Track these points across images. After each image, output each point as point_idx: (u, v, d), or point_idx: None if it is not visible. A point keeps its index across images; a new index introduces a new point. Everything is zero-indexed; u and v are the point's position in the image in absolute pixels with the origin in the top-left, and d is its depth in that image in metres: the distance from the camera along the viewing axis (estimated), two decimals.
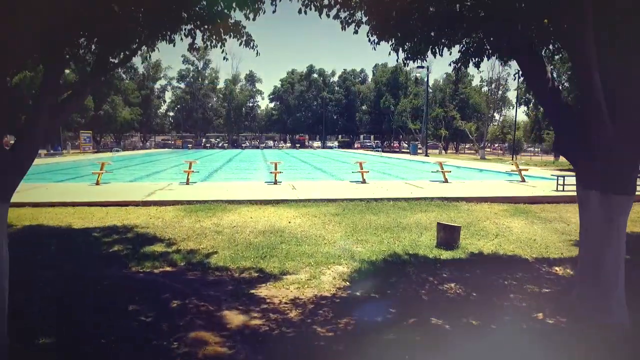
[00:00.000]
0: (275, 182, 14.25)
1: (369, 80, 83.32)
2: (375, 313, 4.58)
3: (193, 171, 14.70)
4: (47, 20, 3.75)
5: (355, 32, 5.54)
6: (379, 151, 46.61)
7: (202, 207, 10.22)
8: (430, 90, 66.38)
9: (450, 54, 6.37)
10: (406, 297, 5.00)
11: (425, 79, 45.84)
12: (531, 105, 31.73)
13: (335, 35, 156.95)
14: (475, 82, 79.95)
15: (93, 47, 5.57)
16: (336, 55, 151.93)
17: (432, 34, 5.95)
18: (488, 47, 5.99)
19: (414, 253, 6.78)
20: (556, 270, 6.03)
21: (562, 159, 40.83)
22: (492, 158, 48.09)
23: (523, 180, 15.64)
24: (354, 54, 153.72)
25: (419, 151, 49.43)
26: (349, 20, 5.43)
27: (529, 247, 7.25)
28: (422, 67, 44.96)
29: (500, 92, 45.78)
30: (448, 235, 7.13)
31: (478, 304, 4.81)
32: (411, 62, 6.44)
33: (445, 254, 6.70)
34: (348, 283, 5.47)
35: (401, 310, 4.61)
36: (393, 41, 5.95)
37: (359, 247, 7.10)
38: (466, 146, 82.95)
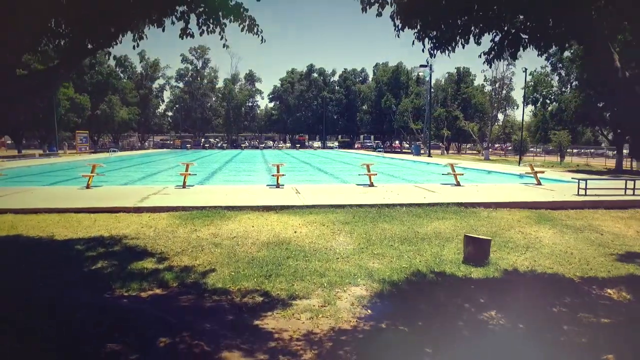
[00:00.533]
0: (278, 186, 13.41)
1: (370, 79, 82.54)
2: (409, 354, 3.74)
3: (190, 174, 13.85)
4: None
5: (379, 14, 4.71)
6: (380, 152, 45.76)
7: (199, 214, 9.38)
8: (432, 90, 65.62)
9: (479, 43, 5.54)
10: (442, 332, 4.16)
11: (428, 78, 45.00)
12: (539, 104, 30.85)
13: (335, 34, 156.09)
14: (478, 81, 79.30)
15: (67, 29, 4.74)
16: (336, 54, 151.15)
17: (465, 17, 5.14)
18: (525, 37, 5.20)
19: (440, 271, 5.95)
20: (610, 294, 5.20)
21: (567, 160, 40.05)
22: (496, 159, 47.31)
23: (539, 184, 14.81)
24: (354, 53, 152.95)
25: (422, 152, 48.62)
26: (372, 0, 4.60)
27: (568, 263, 6.42)
28: (425, 65, 44.22)
29: (504, 92, 44.92)
30: (477, 250, 6.30)
31: (529, 341, 3.97)
32: (438, 51, 5.65)
33: (476, 272, 5.87)
34: (369, 311, 4.63)
35: (441, 351, 3.77)
36: (418, 27, 5.14)
37: (376, 263, 6.27)
38: (467, 146, 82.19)
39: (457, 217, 9.52)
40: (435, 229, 8.35)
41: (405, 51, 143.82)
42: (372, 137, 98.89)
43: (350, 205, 10.28)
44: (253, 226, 8.48)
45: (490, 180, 18.75)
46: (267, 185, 14.23)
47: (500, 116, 47.10)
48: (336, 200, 10.73)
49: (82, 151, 45.78)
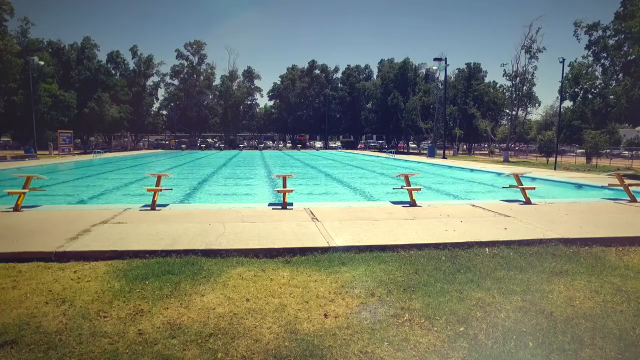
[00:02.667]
0: (285, 206, 9.64)
1: (374, 76, 78.74)
2: None
3: (162, 189, 10.07)
4: None
5: None
6: (391, 153, 41.94)
7: (158, 269, 5.59)
8: (441, 87, 61.92)
9: None
10: None
11: (443, 72, 41.25)
12: (579, 99, 27.10)
13: (338, 29, 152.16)
14: (489, 78, 75.65)
15: None
16: (339, 50, 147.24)
17: None
18: None
19: None
20: None
21: (602, 161, 36.05)
22: (516, 160, 43.58)
23: (633, 200, 11.06)
24: (357, 49, 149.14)
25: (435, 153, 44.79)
26: None
27: None
28: (439, 59, 40.50)
29: (525, 88, 41.16)
30: None
31: None
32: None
33: None
34: None
35: None
36: None
37: None
38: (473, 146, 78.54)
39: (583, 270, 5.75)
40: (573, 305, 4.58)
41: (411, 47, 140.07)
42: (374, 136, 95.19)
43: (403, 247, 6.52)
44: (248, 299, 4.72)
45: (557, 193, 14.88)
46: (270, 204, 10.42)
47: (521, 114, 43.21)
48: (376, 235, 6.99)
49: (65, 152, 41.96)
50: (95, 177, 19.79)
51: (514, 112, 42.76)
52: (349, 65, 79.22)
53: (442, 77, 63.83)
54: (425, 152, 68.50)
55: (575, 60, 27.82)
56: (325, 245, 6.45)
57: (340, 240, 6.71)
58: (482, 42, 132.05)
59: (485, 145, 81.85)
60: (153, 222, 8.04)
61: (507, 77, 42.17)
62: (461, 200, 11.90)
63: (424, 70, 72.48)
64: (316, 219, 8.41)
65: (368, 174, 22.24)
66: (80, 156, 39.79)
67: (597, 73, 26.42)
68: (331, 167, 27.18)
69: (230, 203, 10.86)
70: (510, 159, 41.98)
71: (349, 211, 9.29)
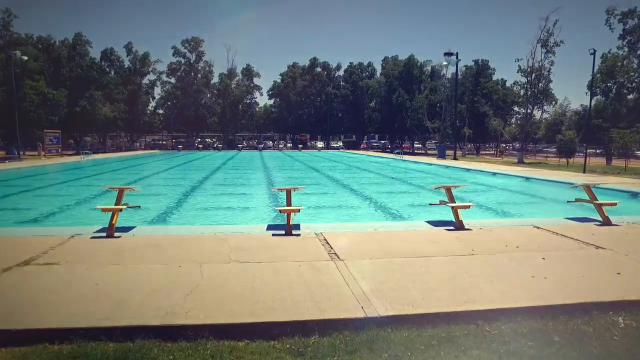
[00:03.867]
0: (290, 232, 7.13)
1: (378, 74, 76.23)
2: None
3: (124, 207, 7.57)
4: None
5: None
6: (398, 154, 39.47)
7: None
8: (449, 85, 59.46)
9: None
10: None
11: (454, 67, 38.79)
12: (612, 94, 24.65)
13: (339, 26, 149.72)
14: (497, 75, 73.31)
15: None
16: (340, 47, 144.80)
17: None
18: None
19: None
20: None
21: (630, 163, 33.22)
22: (531, 161, 41.08)
23: None
24: (359, 47, 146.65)
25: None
26: None
27: None
28: (450, 53, 38.03)
29: (541, 84, 38.67)
30: None
31: None
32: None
33: None
34: None
35: None
36: None
37: None
38: (479, 146, 76.11)
39: None
40: None
41: (415, 44, 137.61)
42: (376, 136, 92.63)
43: (483, 315, 4.04)
44: None
45: (630, 207, 11.99)
46: (269, 227, 7.88)
47: (536, 112, 40.72)
48: (433, 289, 4.51)
49: (53, 153, 39.48)
50: (67, 185, 17.30)
51: (528, 111, 40.24)
52: (351, 63, 76.73)
53: (450, 74, 61.51)
54: (432, 152, 66.09)
55: (609, 52, 25.43)
56: (360, 314, 3.96)
57: (381, 301, 4.22)
58: (489, 38, 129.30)
59: (490, 145, 79.39)
60: (99, 261, 5.55)
61: (522, 73, 39.67)
62: (515, 219, 9.38)
63: (429, 68, 70.05)
64: (335, 254, 5.92)
65: (381, 180, 19.77)
66: (68, 157, 37.33)
67: (634, 65, 23.90)
68: (337, 171, 24.69)
69: (218, 225, 8.36)
70: (524, 160, 39.47)
71: (378, 239, 6.80)
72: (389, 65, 69.25)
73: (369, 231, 7.43)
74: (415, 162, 32.63)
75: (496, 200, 12.95)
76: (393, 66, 67.54)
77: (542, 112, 39.89)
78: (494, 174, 22.12)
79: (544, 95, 39.16)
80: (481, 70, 62.62)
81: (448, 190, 8.24)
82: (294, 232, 7.16)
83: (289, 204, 7.71)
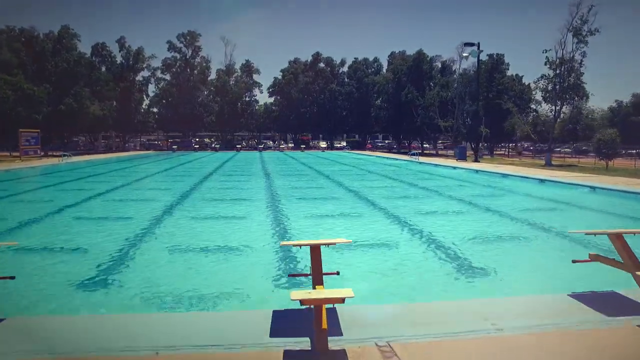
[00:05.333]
0: (323, 345, 3.22)
1: (384, 70, 72.30)
2: None
3: None
4: None
5: None
6: (414, 156, 35.57)
7: None
8: (462, 81, 55.57)
9: None
10: None
11: (475, 59, 34.92)
12: None
13: (343, 20, 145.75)
14: (512, 71, 69.38)
15: None
16: (344, 42, 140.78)
17: None
18: None
19: None
20: None
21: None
22: (561, 163, 37.16)
23: None
24: (364, 42, 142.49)
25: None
26: None
27: None
28: (471, 44, 34.17)
29: (571, 78, 34.82)
30: None
31: None
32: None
33: None
34: None
35: None
36: None
37: None
38: (484, 146, 72.23)
39: None
40: None
41: (423, 39, 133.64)
42: (379, 135, 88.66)
43: None
44: None
45: None
46: (275, 314, 3.96)
47: (566, 110, 36.81)
48: None
49: (30, 155, 35.57)
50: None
51: (557, 107, 36.32)
52: (356, 59, 72.71)
53: (461, 69, 57.59)
54: (442, 153, 62.16)
55: None
56: None
57: None
58: (500, 33, 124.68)
59: (501, 145, 75.51)
60: None
61: (549, 66, 35.78)
62: None
63: (438, 64, 66.14)
64: None
65: (413, 191, 15.88)
66: (46, 160, 33.47)
67: None
68: (352, 178, 20.81)
69: (178, 313, 4.46)
70: (552, 162, 35.58)
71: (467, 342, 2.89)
72: (397, 60, 65.39)
73: (496, 335, 3.52)
74: (436, 165, 28.73)
75: (594, 225, 9.06)
76: (401, 62, 63.67)
77: (573, 108, 35.88)
78: (541, 181, 18.23)
79: (575, 90, 35.26)
80: (496, 65, 58.73)
81: (619, 237, 4.30)
82: (331, 344, 3.27)
83: (316, 280, 3.79)
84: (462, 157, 33.94)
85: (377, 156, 41.54)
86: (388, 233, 8.60)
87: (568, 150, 66.99)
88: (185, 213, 10.38)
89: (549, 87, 35.84)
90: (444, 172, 23.84)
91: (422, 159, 34.79)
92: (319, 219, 9.84)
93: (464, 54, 35.62)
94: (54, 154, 52.96)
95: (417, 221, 9.48)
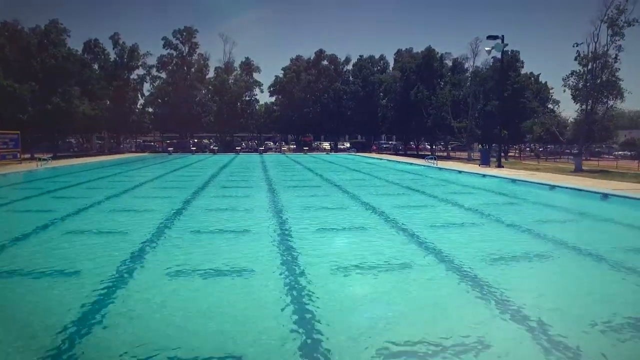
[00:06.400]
0: None
1: (390, 68, 69.05)
2: None
3: None
4: None
5: None
6: (432, 160, 32.33)
7: None
8: (478, 79, 52.41)
9: None
10: None
11: (499, 54, 31.70)
12: None
13: (346, 15, 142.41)
14: (527, 68, 66.33)
15: None
16: (348, 39, 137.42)
17: None
18: None
19: None
20: None
21: None
22: (594, 168, 33.88)
23: None
24: (368, 40, 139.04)
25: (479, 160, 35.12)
26: None
27: None
28: (494, 36, 30.94)
29: (605, 75, 31.69)
30: None
31: None
32: None
33: None
34: None
35: None
36: None
37: None
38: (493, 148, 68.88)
39: None
40: None
41: (430, 36, 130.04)
42: (383, 136, 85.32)
43: None
44: None
45: None
46: None
47: (603, 108, 33.64)
48: None
49: (5, 160, 32.30)
50: None
51: (587, 107, 33.13)
52: (361, 56, 69.32)
53: (475, 66, 54.31)
54: (454, 155, 58.93)
55: None
56: None
57: None
58: (512, 29, 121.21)
59: (513, 147, 72.42)
60: None
61: (579, 61, 32.65)
62: None
63: (447, 62, 62.88)
64: None
65: (452, 214, 12.64)
66: (27, 164, 30.29)
67: None
68: (370, 191, 17.58)
69: None
70: (582, 167, 32.35)
71: None
72: (405, 58, 62.16)
73: None
74: (459, 171, 25.47)
75: None
76: (409, 59, 60.44)
77: (608, 107, 32.70)
78: (605, 196, 14.99)
79: (608, 88, 32.08)
80: (511, 62, 55.58)
81: None
82: None
83: None
84: (485, 162, 30.69)
85: (388, 160, 38.25)
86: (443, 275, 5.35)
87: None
88: (166, 260, 7.15)
89: (580, 85, 32.68)
90: (473, 182, 20.60)
91: (442, 163, 31.52)
92: (346, 271, 6.59)
93: (486, 48, 32.29)
94: (43, 156, 49.83)
95: (489, 274, 6.24)
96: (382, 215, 11.38)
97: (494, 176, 22.62)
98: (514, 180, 20.45)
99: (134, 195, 15.93)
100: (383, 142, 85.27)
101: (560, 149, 32.72)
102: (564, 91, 33.42)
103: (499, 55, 32.46)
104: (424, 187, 18.68)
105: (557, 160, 55.43)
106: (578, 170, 31.40)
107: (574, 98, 33.42)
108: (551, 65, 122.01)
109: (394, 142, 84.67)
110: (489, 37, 31.20)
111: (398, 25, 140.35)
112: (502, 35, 30.86)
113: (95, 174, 23.77)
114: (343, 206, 13.24)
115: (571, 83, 32.71)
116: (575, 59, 32.05)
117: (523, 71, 57.81)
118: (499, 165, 31.09)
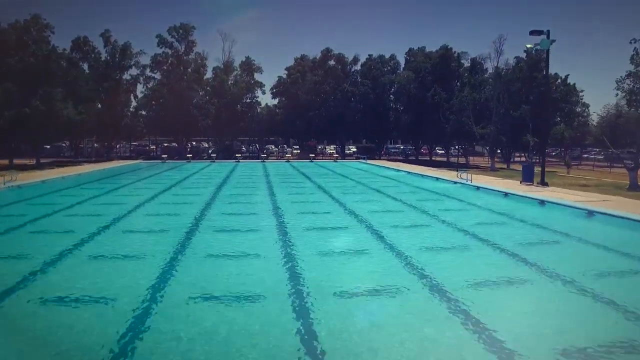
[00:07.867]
0: None
1: (402, 68, 64.42)
2: None
3: None
4: None
5: None
6: (463, 172, 27.65)
7: None
8: (501, 80, 47.83)
9: None
10: None
11: (545, 51, 27.11)
12: None
13: (353, 13, 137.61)
14: (552, 69, 61.33)
15: None
16: (354, 41, 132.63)
17: None
18: None
19: None
20: None
21: None
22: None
23: None
24: (377, 39, 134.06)
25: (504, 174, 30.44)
26: None
27: None
28: (539, 31, 26.36)
29: None
30: None
31: None
32: None
33: None
34: None
35: None
36: None
37: None
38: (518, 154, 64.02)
39: None
40: None
41: (443, 34, 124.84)
42: (390, 141, 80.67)
43: None
44: None
45: None
46: None
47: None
48: None
49: None
50: None
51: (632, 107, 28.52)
52: (370, 56, 64.61)
53: (494, 67, 49.71)
54: (472, 162, 54.27)
55: None
56: None
57: None
58: (524, 25, 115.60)
59: (525, 155, 67.70)
60: None
61: (632, 62, 28.09)
62: None
63: (464, 62, 58.23)
64: None
65: (541, 291, 8.02)
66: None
67: None
68: (396, 222, 13.00)
69: None
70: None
71: None
72: (418, 57, 57.52)
73: None
74: (505, 194, 20.81)
75: None
76: (424, 59, 55.82)
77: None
78: None
79: None
80: (535, 62, 50.98)
81: None
82: None
83: None
84: (528, 178, 25.98)
85: (407, 172, 33.50)
86: None
87: (596, 157, 59.08)
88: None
89: (636, 88, 28.05)
90: (534, 214, 15.95)
91: (476, 179, 26.82)
92: None
93: (528, 45, 27.68)
94: (27, 163, 45.29)
95: None
96: (423, 274, 6.72)
97: (555, 203, 17.89)
98: (591, 212, 15.71)
99: (114, 234, 11.28)
100: (391, 146, 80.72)
101: (634, 164, 28.01)
102: (617, 95, 28.93)
103: (542, 54, 27.82)
104: (469, 222, 13.92)
105: (580, 166, 50.75)
106: (634, 187, 26.84)
107: (629, 103, 28.76)
108: (580, 66, 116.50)
109: (401, 146, 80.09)
110: (532, 33, 26.55)
111: (407, 23, 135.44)
112: (548, 30, 26.28)
113: (63, 198, 19.19)
114: (366, 248, 8.61)
115: (626, 87, 28.06)
116: (631, 59, 27.43)
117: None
118: (542, 182, 26.39)
